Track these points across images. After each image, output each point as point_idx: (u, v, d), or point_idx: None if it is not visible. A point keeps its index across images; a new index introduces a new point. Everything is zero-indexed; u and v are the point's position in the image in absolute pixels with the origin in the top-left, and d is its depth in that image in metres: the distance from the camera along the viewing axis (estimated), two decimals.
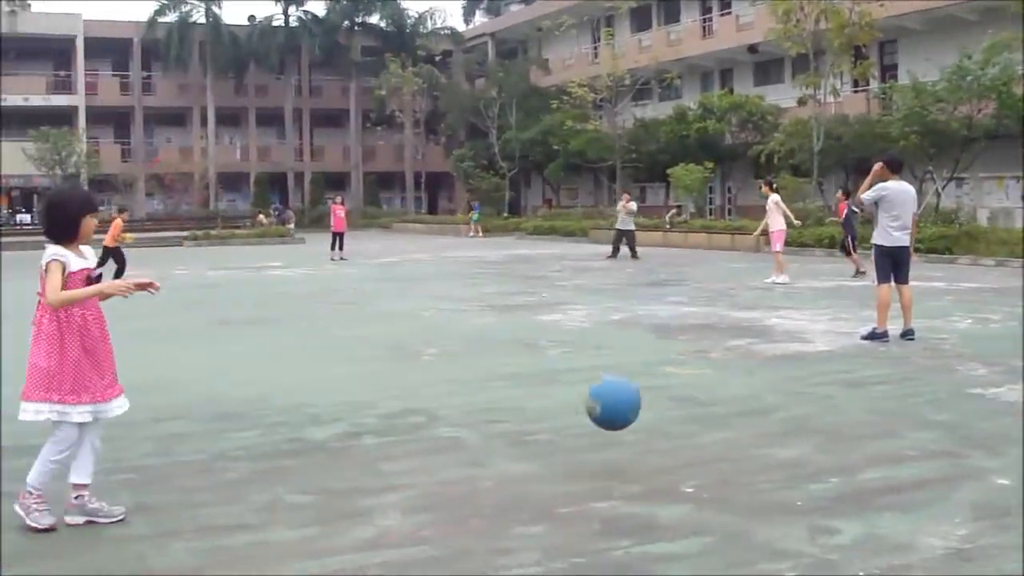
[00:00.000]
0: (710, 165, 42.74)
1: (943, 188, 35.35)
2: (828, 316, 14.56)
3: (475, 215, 51.93)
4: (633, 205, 30.04)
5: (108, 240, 23.37)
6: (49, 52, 65.84)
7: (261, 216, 56.26)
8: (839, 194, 24.58)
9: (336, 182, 67.74)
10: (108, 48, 66.77)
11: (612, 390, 6.45)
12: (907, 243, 12.19)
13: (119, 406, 5.69)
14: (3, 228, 52.08)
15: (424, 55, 64.09)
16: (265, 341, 13.13)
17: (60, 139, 55.47)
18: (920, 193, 37.43)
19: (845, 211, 23.19)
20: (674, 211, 42.05)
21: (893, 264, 12.14)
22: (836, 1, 36.49)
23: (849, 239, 23.04)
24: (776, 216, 21.07)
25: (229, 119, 69.86)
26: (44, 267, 5.40)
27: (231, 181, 69.11)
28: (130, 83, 67.83)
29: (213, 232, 47.08)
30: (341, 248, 30.97)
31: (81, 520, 5.49)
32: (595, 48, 60.22)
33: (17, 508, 5.45)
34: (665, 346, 11.92)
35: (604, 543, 5.09)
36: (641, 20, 59.16)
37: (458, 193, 67.75)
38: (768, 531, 5.24)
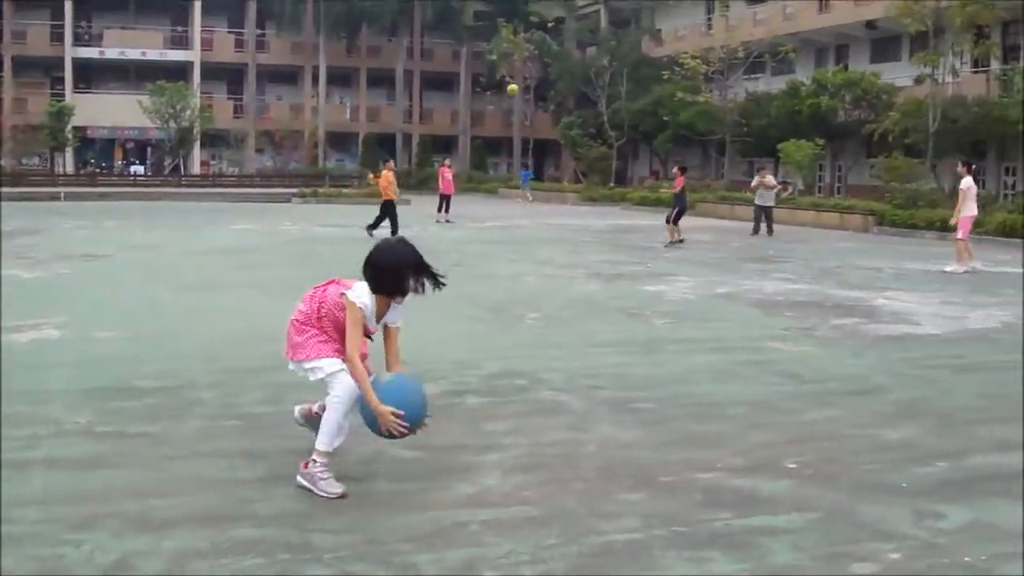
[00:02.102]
0: (821, 142, 42.09)
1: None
2: (938, 300, 14.27)
3: (523, 182, 51.86)
4: (771, 179, 29.65)
5: (388, 194, 24.32)
6: (167, 8, 66.82)
7: (372, 176, 56.86)
8: (676, 169, 25.78)
9: (444, 145, 67.98)
10: (224, 5, 67.53)
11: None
12: None
13: None
14: (117, 179, 53.21)
15: (536, 21, 63.65)
16: None
17: (175, 93, 56.35)
18: None
19: (681, 185, 24.66)
20: (780, 186, 41.55)
21: None
22: None
23: (676, 211, 24.06)
24: (969, 201, 19.81)
25: (340, 79, 70.36)
26: (347, 301, 5.34)
27: (340, 140, 69.67)
28: (244, 40, 68.51)
29: (321, 190, 47.61)
30: (447, 210, 31.12)
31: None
32: (709, 20, 59.54)
33: (302, 480, 5.35)
34: (770, 321, 11.80)
35: (705, 513, 5.07)
36: None
37: (564, 161, 67.52)
38: (873, 511, 5.17)
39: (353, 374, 5.22)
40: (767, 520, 5.00)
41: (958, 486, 5.62)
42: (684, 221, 24.37)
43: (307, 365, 5.42)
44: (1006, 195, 41.32)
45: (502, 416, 6.90)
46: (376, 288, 5.35)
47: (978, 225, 28.67)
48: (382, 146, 67.65)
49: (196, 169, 63.40)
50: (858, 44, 51.97)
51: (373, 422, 5.28)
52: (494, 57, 60.78)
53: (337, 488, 5.23)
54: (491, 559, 4.44)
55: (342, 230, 26.23)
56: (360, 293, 5.31)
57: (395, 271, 5.35)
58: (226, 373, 8.01)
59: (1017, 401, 7.82)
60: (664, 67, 53.38)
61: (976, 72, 43.38)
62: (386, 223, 23.65)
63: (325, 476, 5.27)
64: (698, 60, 48.36)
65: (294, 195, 45.38)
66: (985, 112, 37.92)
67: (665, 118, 53.10)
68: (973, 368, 9.23)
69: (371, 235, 23.08)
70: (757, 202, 28.79)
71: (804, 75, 50.47)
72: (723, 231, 29.42)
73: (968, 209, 19.47)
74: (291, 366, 5.59)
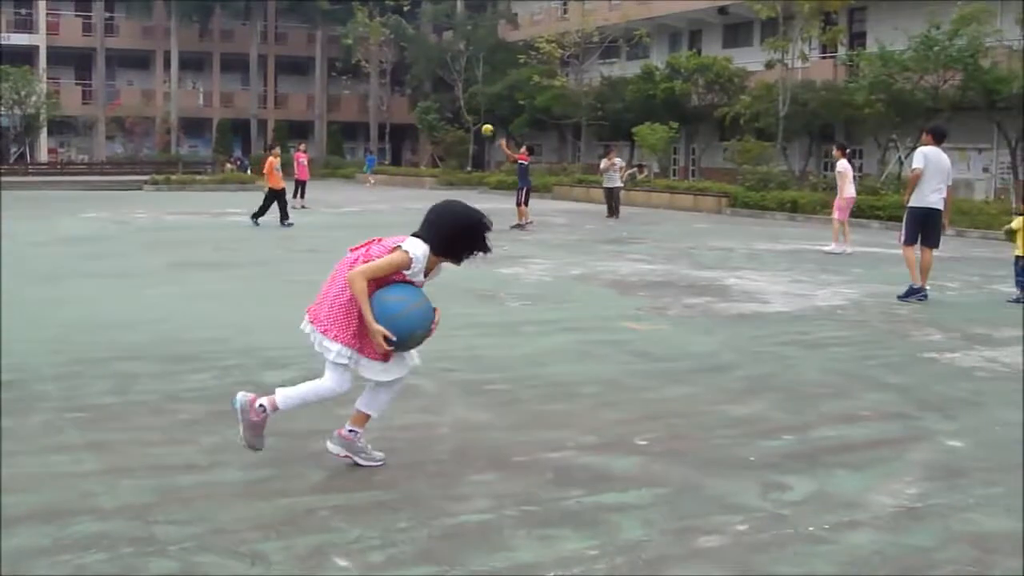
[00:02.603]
0: (675, 125, 42.76)
1: (906, 157, 35.41)
2: (787, 278, 14.61)
3: (367, 166, 51.93)
4: (619, 161, 29.95)
5: (274, 182, 23.61)
6: None
7: (229, 164, 56.00)
8: (523, 149, 25.27)
9: (299, 131, 67.12)
10: None
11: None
12: (940, 207, 12.85)
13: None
14: None
15: (392, 5, 63.20)
16: (222, 284, 13.04)
17: (20, 78, 54.52)
18: (883, 161, 37.87)
19: (526, 161, 24.25)
20: (634, 169, 42.08)
21: (923, 226, 12.84)
22: None
23: (525, 191, 23.80)
24: (845, 183, 20.48)
25: (193, 63, 69.06)
26: (395, 247, 5.22)
27: (193, 126, 68.39)
28: (92, 24, 66.64)
29: (174, 177, 46.63)
30: (303, 196, 30.77)
31: (342, 453, 5.48)
32: (564, 4, 59.94)
33: (336, 447, 5.42)
34: (624, 302, 11.94)
35: (556, 492, 5.09)
36: None
37: (422, 145, 67.38)
38: (721, 485, 5.25)
39: (353, 286, 5.10)
40: (617, 497, 5.04)
41: (803, 458, 5.75)
42: (543, 204, 24.52)
43: (325, 342, 5.25)
44: (853, 176, 42.34)
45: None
46: (439, 249, 5.29)
47: (824, 206, 29.58)
48: (236, 132, 66.68)
49: (43, 157, 61.49)
50: (711, 29, 52.87)
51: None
52: (350, 41, 60.31)
53: (379, 454, 5.47)
54: (341, 545, 4.38)
55: (195, 217, 25.78)
56: (415, 247, 5.19)
57: (467, 236, 5.33)
58: (72, 364, 7.79)
59: (859, 375, 8.05)
60: (520, 51, 53.65)
61: (824, 57, 44.51)
62: (274, 209, 23.25)
63: (363, 443, 5.44)
64: (554, 44, 48.74)
65: (146, 182, 44.37)
66: (832, 96, 38.99)
67: (521, 102, 53.36)
68: (819, 344, 9.46)
69: (256, 223, 22.66)
70: (606, 184, 29.07)
71: (659, 60, 51.22)
72: (579, 213, 29.68)
73: (846, 191, 20.08)
74: (308, 327, 5.37)
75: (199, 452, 5.58)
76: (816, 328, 10.39)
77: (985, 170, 38.84)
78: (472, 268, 14.69)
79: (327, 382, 5.31)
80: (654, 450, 5.85)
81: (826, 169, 45.13)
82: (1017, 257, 13.24)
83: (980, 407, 7.17)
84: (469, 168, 54.72)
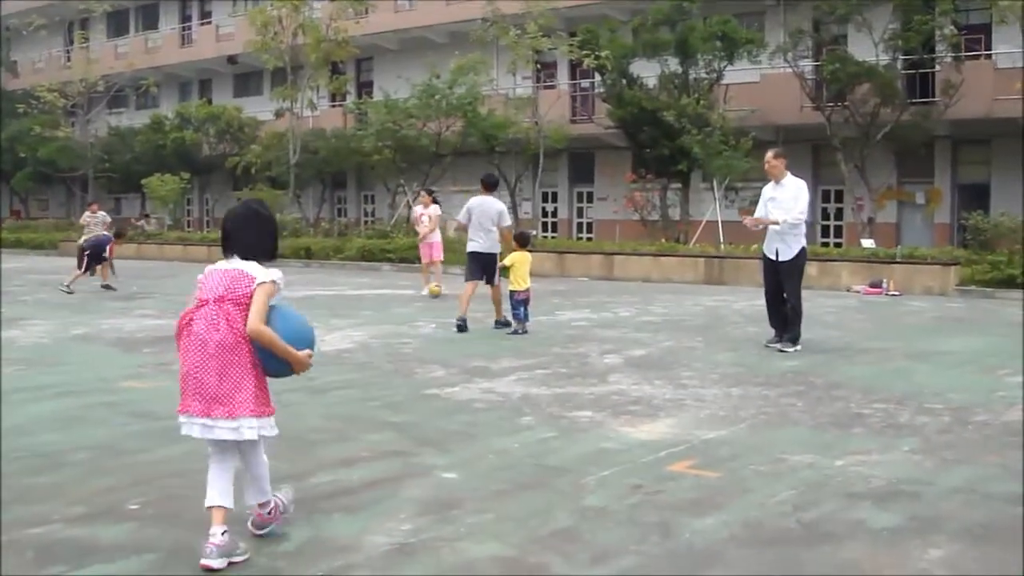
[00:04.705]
0: (186, 176, 42.14)
1: (414, 201, 36.73)
2: None
3: None
4: (103, 215, 28.60)
5: None
6: None
7: None
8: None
9: None
10: None
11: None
12: (490, 250, 14.40)
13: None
14: None
15: None
16: None
17: None
18: (392, 206, 39.09)
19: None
20: (142, 221, 41.11)
21: (480, 267, 14.45)
22: (314, 17, 37.31)
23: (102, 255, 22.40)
24: (437, 227, 21.13)
25: None
26: (259, 285, 4.95)
27: None
28: None
29: None
30: None
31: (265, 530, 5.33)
32: (68, 52, 57.75)
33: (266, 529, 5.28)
34: (127, 360, 11.51)
35: (35, 570, 4.76)
36: (118, 25, 57.51)
37: None
38: None
39: (264, 339, 4.87)
40: (102, 568, 4.77)
41: (300, 506, 5.69)
42: (50, 261, 23.27)
43: (248, 423, 4.91)
44: (366, 221, 43.54)
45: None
46: (273, 254, 5.25)
47: (338, 251, 30.17)
48: None
49: None
50: (221, 79, 52.69)
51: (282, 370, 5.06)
52: None
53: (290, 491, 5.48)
54: None
55: None
56: (271, 273, 5.04)
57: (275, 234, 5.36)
58: None
59: (361, 417, 8.17)
60: (20, 100, 51.02)
61: (334, 106, 45.46)
62: None
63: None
64: (56, 93, 46.73)
65: None
66: (342, 144, 39.86)
67: (23, 155, 50.72)
68: (324, 389, 9.52)
69: None
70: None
71: (168, 109, 50.37)
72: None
73: (437, 235, 20.92)
74: (200, 421, 4.92)
75: None
76: (322, 373, 10.41)
77: None
78: None
79: (262, 453, 5.20)
80: (146, 514, 5.61)
81: (339, 215, 46.13)
82: (512, 291, 14.08)
83: (475, 438, 7.46)
84: None
